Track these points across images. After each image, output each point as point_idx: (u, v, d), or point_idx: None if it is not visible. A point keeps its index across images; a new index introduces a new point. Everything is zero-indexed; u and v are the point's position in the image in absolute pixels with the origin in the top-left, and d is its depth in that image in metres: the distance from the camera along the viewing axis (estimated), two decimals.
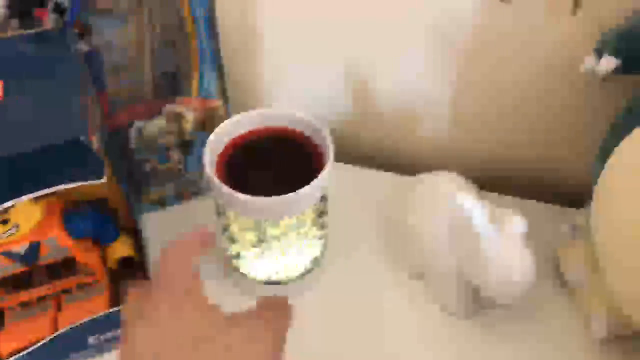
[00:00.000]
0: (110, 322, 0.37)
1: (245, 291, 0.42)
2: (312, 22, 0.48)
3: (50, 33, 0.35)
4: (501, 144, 0.52)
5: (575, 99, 0.45)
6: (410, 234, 0.42)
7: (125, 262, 0.41)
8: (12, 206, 0.31)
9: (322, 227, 0.40)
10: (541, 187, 0.52)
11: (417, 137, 0.54)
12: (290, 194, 0.33)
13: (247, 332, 0.24)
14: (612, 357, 0.39)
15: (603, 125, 0.38)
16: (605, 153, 0.36)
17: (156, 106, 0.42)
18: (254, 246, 0.38)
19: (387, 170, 0.53)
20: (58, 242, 0.36)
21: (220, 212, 0.38)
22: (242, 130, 0.39)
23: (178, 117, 0.43)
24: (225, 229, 0.39)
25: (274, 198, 0.33)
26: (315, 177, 0.34)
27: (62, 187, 0.30)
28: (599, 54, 0.37)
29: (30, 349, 0.35)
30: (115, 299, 0.40)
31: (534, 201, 0.49)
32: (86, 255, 0.38)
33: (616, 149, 0.34)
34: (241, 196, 0.33)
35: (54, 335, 0.36)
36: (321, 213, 0.39)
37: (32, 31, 0.35)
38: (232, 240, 0.39)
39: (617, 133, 0.35)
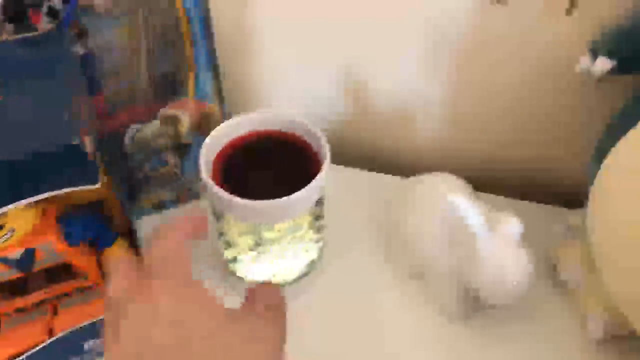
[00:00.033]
0: None
1: (242, 295, 0.42)
2: (309, 22, 0.48)
3: (45, 36, 0.35)
4: (497, 144, 0.52)
5: (571, 99, 0.46)
6: (406, 235, 0.42)
7: None
8: (7, 212, 0.31)
9: (319, 230, 0.40)
10: (537, 187, 0.52)
11: (413, 137, 0.54)
12: (287, 198, 0.33)
13: (247, 330, 0.24)
14: (608, 358, 0.39)
15: (599, 126, 0.38)
16: (600, 153, 0.36)
17: (152, 109, 0.42)
18: (250, 250, 0.38)
19: (383, 171, 0.53)
20: (54, 247, 0.36)
21: (216, 216, 0.38)
22: (238, 133, 0.39)
23: (173, 121, 0.43)
24: (222, 232, 0.39)
25: (270, 201, 0.33)
26: (312, 180, 0.34)
27: (56, 192, 0.29)
28: (594, 54, 0.37)
29: (26, 355, 0.35)
30: None
31: (530, 201, 0.49)
32: (82, 260, 0.38)
33: (612, 149, 0.34)
34: (237, 200, 0.33)
35: (50, 340, 0.36)
36: (318, 216, 0.39)
37: (27, 35, 0.35)
38: (229, 244, 0.39)
39: (612, 134, 0.35)
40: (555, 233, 0.44)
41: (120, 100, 0.41)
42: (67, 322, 0.37)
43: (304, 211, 0.36)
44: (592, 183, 0.36)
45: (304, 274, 0.42)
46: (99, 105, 0.40)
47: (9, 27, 0.35)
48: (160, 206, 0.48)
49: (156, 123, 0.43)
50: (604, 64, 0.36)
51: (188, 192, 0.49)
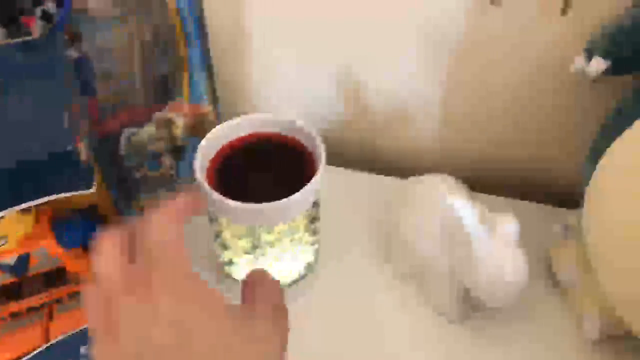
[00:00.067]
0: None
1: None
2: (303, 22, 0.48)
3: (38, 41, 0.35)
4: (493, 144, 0.52)
5: (566, 99, 0.46)
6: (406, 235, 0.42)
7: None
8: (1, 217, 0.31)
9: (315, 232, 0.40)
10: (532, 187, 0.52)
11: (409, 137, 0.54)
12: (283, 200, 0.33)
13: (248, 330, 0.24)
14: (604, 357, 0.39)
15: (594, 126, 0.39)
16: (595, 154, 0.36)
17: (147, 112, 0.42)
18: (246, 253, 0.38)
19: (382, 170, 0.53)
20: (48, 251, 0.35)
21: (212, 219, 0.38)
22: (234, 135, 0.39)
23: (168, 124, 0.43)
24: (218, 235, 0.38)
25: (266, 204, 0.33)
26: (308, 182, 0.34)
27: (50, 197, 0.29)
28: (589, 55, 0.37)
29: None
30: None
31: (526, 201, 0.49)
32: (77, 265, 0.38)
33: (607, 150, 0.34)
34: (231, 202, 0.33)
35: (46, 345, 0.36)
36: (313, 219, 0.38)
37: (20, 40, 0.35)
38: (225, 247, 0.39)
39: (607, 134, 0.35)
40: (552, 233, 0.44)
41: (115, 104, 0.41)
42: (63, 326, 0.37)
43: (300, 214, 0.36)
44: (587, 183, 0.36)
45: (302, 277, 0.42)
46: (93, 109, 0.40)
47: (1, 31, 0.35)
48: None
49: (151, 126, 0.43)
50: (598, 64, 0.36)
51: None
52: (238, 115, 0.39)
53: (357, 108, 0.54)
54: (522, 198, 0.49)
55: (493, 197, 0.49)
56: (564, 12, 0.40)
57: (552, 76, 0.44)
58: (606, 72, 0.37)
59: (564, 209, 0.47)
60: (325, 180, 0.36)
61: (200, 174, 0.35)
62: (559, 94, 0.45)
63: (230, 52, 0.51)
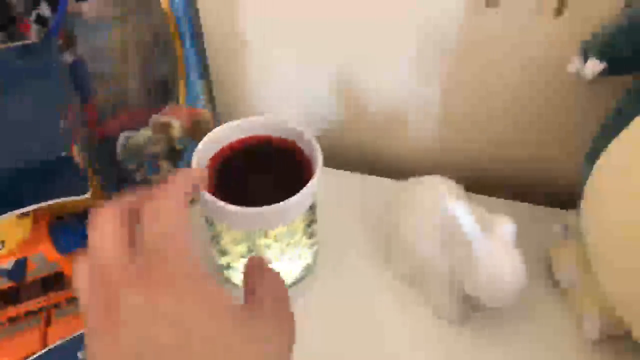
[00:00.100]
0: None
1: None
2: (300, 22, 0.48)
3: (33, 45, 0.35)
4: (493, 144, 0.52)
5: (565, 99, 0.45)
6: (406, 236, 0.42)
7: None
8: None
9: (312, 235, 0.40)
10: (532, 187, 0.52)
11: (408, 138, 0.54)
12: (280, 204, 0.33)
13: (249, 330, 0.24)
14: (604, 358, 0.39)
15: (593, 126, 0.38)
16: (594, 154, 0.36)
17: (145, 114, 0.42)
18: (243, 257, 0.38)
19: (380, 171, 0.53)
20: (46, 256, 0.35)
21: (209, 223, 0.38)
22: (231, 138, 0.39)
23: (165, 127, 0.43)
24: (215, 239, 0.38)
25: (262, 208, 0.33)
26: (304, 185, 0.34)
27: (47, 203, 0.29)
28: (585, 55, 0.37)
29: None
30: None
31: (525, 202, 0.49)
32: None
33: (605, 150, 0.34)
34: (229, 207, 0.33)
35: (44, 350, 0.36)
36: (311, 222, 0.38)
37: (14, 44, 0.35)
38: (222, 251, 0.39)
39: (606, 134, 0.35)
40: (551, 233, 0.43)
41: (112, 108, 0.40)
42: (61, 331, 0.37)
43: (297, 217, 0.36)
44: (585, 184, 0.36)
45: (300, 279, 0.42)
46: (92, 110, 0.40)
47: None
48: None
49: (148, 129, 0.43)
50: (594, 66, 0.36)
51: None
52: (236, 116, 0.39)
53: (357, 108, 0.53)
54: (522, 198, 0.49)
55: (492, 198, 0.49)
56: (559, 11, 0.40)
57: (551, 76, 0.44)
58: (602, 73, 0.36)
59: (563, 210, 0.47)
60: (324, 182, 0.36)
61: None
62: (559, 94, 0.45)
63: (227, 53, 0.51)
